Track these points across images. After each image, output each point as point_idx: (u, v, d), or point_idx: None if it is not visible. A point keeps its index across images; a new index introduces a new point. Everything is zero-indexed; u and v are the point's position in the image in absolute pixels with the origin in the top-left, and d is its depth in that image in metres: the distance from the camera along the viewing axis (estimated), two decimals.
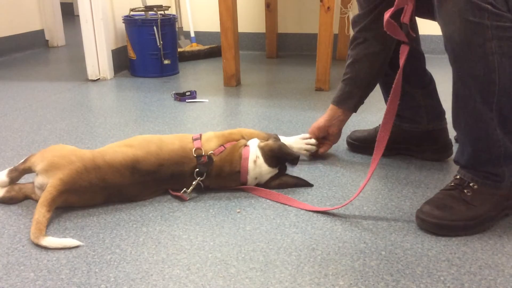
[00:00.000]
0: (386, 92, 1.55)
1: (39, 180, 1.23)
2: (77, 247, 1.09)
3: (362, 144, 1.60)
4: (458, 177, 1.16)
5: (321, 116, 1.54)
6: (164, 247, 1.08)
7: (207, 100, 2.31)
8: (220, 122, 1.99)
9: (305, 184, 1.35)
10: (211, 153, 1.30)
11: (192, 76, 2.87)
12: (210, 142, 1.34)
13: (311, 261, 1.02)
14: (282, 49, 3.54)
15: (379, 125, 1.58)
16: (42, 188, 1.22)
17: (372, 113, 2.02)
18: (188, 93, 2.37)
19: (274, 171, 1.34)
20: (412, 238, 1.10)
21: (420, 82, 1.45)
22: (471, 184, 1.13)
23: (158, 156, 1.26)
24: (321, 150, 1.54)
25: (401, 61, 1.14)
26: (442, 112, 1.50)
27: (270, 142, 1.35)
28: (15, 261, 1.03)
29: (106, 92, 2.53)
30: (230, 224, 1.17)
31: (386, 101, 1.57)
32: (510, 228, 1.14)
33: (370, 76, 1.45)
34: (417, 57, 1.45)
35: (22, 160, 1.31)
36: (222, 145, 1.33)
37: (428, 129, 1.49)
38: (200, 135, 1.36)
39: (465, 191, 1.12)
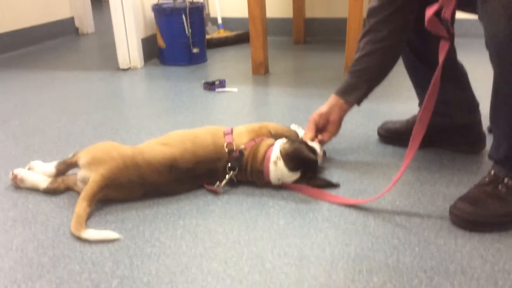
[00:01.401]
0: (417, 86, 1.54)
1: (81, 173, 1.28)
2: (117, 239, 1.13)
3: (393, 136, 1.60)
4: (492, 172, 1.16)
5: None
6: (201, 241, 1.11)
7: (236, 89, 2.33)
8: (250, 112, 2.01)
9: (330, 185, 1.34)
10: (242, 147, 1.33)
11: (220, 64, 2.89)
12: (241, 136, 1.36)
13: (345, 257, 1.04)
14: (309, 34, 3.52)
15: (412, 117, 1.58)
16: (84, 181, 1.27)
17: (402, 103, 2.00)
18: (217, 82, 2.40)
19: (296, 174, 1.32)
20: (445, 234, 1.11)
21: (452, 75, 1.44)
22: (505, 180, 1.13)
23: (194, 154, 1.30)
24: (322, 138, 1.48)
25: (441, 57, 1.13)
26: (475, 105, 1.49)
27: (287, 145, 1.33)
28: (60, 254, 1.09)
29: (137, 82, 2.58)
30: (263, 218, 1.20)
31: (417, 93, 1.56)
32: None
33: (380, 70, 1.42)
34: (449, 50, 1.43)
35: (71, 155, 1.36)
36: (253, 140, 1.35)
37: (461, 123, 1.48)
38: (231, 129, 1.39)
39: (499, 187, 1.12)
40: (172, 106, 2.12)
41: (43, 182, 1.37)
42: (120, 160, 1.26)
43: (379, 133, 1.65)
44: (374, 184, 1.36)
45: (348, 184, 1.36)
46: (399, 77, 1.91)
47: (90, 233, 1.14)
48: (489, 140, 1.29)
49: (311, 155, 1.33)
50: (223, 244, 1.10)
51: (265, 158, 1.32)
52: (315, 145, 1.41)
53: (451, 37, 1.13)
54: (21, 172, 1.40)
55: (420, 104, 1.57)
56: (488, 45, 1.04)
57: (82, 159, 1.29)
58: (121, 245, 1.11)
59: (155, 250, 1.09)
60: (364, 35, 1.41)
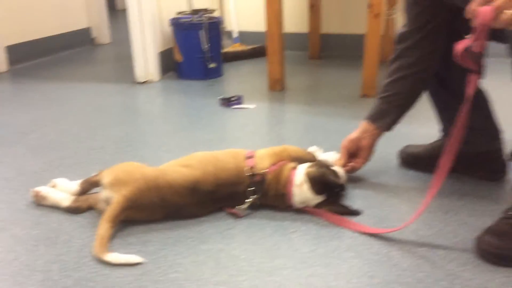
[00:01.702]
0: (439, 112, 1.54)
1: (104, 193, 1.29)
2: (140, 263, 1.13)
3: (415, 161, 1.59)
4: None
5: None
6: (224, 268, 1.11)
7: (253, 106, 2.33)
8: (268, 132, 2.01)
9: (352, 213, 1.33)
10: (265, 171, 1.33)
11: (236, 79, 2.90)
12: (263, 160, 1.36)
13: None
14: (324, 49, 3.52)
15: (435, 141, 1.57)
16: (107, 201, 1.27)
17: (422, 124, 1.99)
18: (234, 98, 2.40)
19: (320, 198, 1.32)
20: (471, 268, 1.10)
21: (475, 102, 1.43)
22: None
23: (215, 176, 1.30)
24: (354, 164, 1.49)
25: (470, 91, 1.12)
26: (497, 133, 1.48)
27: (314, 169, 1.34)
28: (84, 277, 1.09)
29: (154, 96, 2.60)
30: (286, 245, 1.20)
31: (439, 119, 1.55)
32: None
33: (411, 96, 1.43)
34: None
35: (95, 174, 1.37)
36: (275, 164, 1.35)
37: (482, 151, 1.47)
38: (253, 152, 1.39)
39: None
40: (190, 123, 2.13)
41: (66, 200, 1.38)
42: (143, 181, 1.27)
43: (400, 157, 1.64)
44: (397, 211, 1.35)
45: (370, 210, 1.36)
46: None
47: (114, 257, 1.14)
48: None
49: (338, 180, 1.34)
50: (246, 273, 1.10)
51: (288, 181, 1.32)
52: (338, 168, 1.41)
53: (481, 70, 1.13)
54: (43, 189, 1.41)
55: (442, 130, 1.56)
56: None
57: (105, 179, 1.30)
58: (145, 270, 1.11)
59: (179, 276, 1.09)
60: (393, 60, 1.42)
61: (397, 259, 1.13)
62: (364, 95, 2.44)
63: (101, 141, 1.93)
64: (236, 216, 1.33)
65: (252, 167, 1.33)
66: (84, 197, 1.38)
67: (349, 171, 1.48)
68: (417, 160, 1.59)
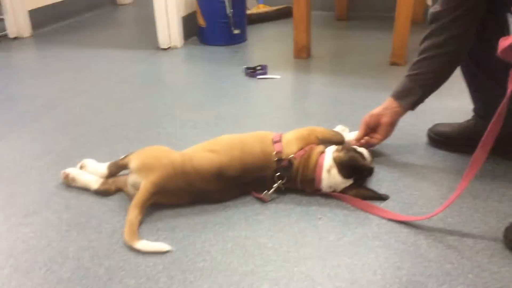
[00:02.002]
0: (473, 92, 1.50)
1: (132, 178, 1.31)
2: (169, 251, 1.16)
3: (444, 140, 1.56)
4: None
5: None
6: (251, 257, 1.13)
7: (278, 76, 2.29)
8: (294, 106, 1.98)
9: (379, 198, 1.32)
10: (292, 156, 1.32)
11: (260, 44, 2.84)
12: (290, 145, 1.35)
13: (396, 282, 1.04)
14: (353, 9, 3.40)
15: (466, 121, 1.53)
16: (135, 186, 1.29)
17: (453, 98, 1.93)
18: (259, 68, 2.37)
19: (349, 181, 1.32)
20: (498, 259, 1.09)
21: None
22: None
23: (241, 162, 1.30)
24: (369, 139, 1.48)
25: (511, 87, 1.07)
26: None
27: (342, 153, 1.32)
28: (115, 265, 1.12)
29: (178, 64, 2.58)
30: (312, 232, 1.20)
31: (472, 98, 1.51)
32: None
33: (439, 76, 1.39)
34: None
35: (122, 156, 1.38)
36: (303, 148, 1.34)
37: None
38: (280, 136, 1.37)
39: None
40: (215, 95, 2.11)
41: (95, 183, 1.40)
42: (170, 167, 1.27)
43: (429, 136, 1.60)
44: (425, 196, 1.34)
45: (397, 194, 1.34)
46: None
47: (144, 244, 1.16)
48: None
49: (367, 164, 1.33)
50: (273, 262, 1.11)
51: (317, 165, 1.31)
52: (363, 150, 1.39)
53: None
54: (72, 171, 1.44)
55: (475, 110, 1.51)
56: None
57: (133, 163, 1.31)
58: (174, 258, 1.14)
59: (207, 265, 1.11)
60: (425, 39, 1.37)
61: (424, 249, 1.13)
62: (394, 63, 2.37)
63: (126, 115, 1.93)
64: (262, 201, 1.33)
65: (279, 152, 1.32)
66: (112, 180, 1.40)
67: (364, 145, 1.46)
68: (447, 140, 1.55)
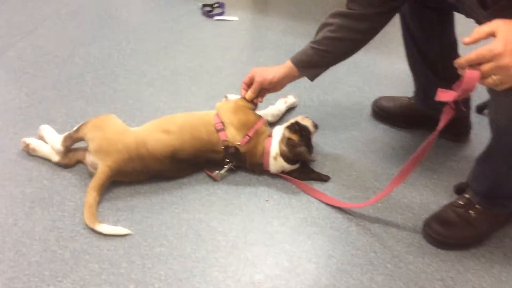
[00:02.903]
0: (415, 77, 1.57)
1: (90, 158, 1.38)
2: (128, 234, 1.28)
3: (385, 115, 1.68)
4: (467, 196, 1.29)
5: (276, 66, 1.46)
6: (204, 242, 1.27)
7: (236, 19, 2.28)
8: (250, 59, 2.01)
9: (321, 179, 1.46)
10: (238, 144, 1.41)
11: None
12: (233, 133, 1.41)
13: (327, 271, 1.22)
14: None
15: (407, 99, 1.63)
16: (93, 166, 1.37)
17: (400, 58, 2.00)
18: (216, 5, 2.33)
19: (295, 166, 1.43)
20: (415, 249, 1.28)
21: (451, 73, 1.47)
22: (477, 206, 1.26)
23: (192, 146, 1.38)
24: (260, 100, 1.50)
25: (441, 124, 1.14)
26: (467, 100, 1.55)
27: (287, 148, 1.40)
28: (80, 248, 1.24)
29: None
30: (259, 216, 1.35)
31: (414, 80, 1.59)
32: (502, 242, 1.31)
33: (343, 57, 1.40)
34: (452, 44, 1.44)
35: (75, 128, 1.42)
36: (247, 135, 1.42)
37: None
38: (222, 122, 1.42)
39: (470, 211, 1.27)
40: (170, 41, 2.10)
41: (55, 156, 1.46)
42: (126, 152, 1.35)
43: (373, 109, 1.72)
44: (361, 178, 1.48)
45: (337, 175, 1.48)
46: (393, 30, 1.90)
47: (104, 228, 1.27)
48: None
49: (311, 157, 1.43)
50: (223, 248, 1.26)
51: (264, 152, 1.42)
52: (308, 122, 1.49)
53: (458, 108, 1.12)
54: (33, 142, 1.48)
55: (415, 93, 1.62)
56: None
57: (90, 145, 1.37)
58: (133, 242, 1.26)
59: (163, 250, 1.24)
60: (341, 15, 1.33)
61: (354, 236, 1.30)
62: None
63: (81, 65, 1.92)
64: (213, 179, 1.44)
65: (224, 141, 1.40)
66: (72, 153, 1.46)
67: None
68: (388, 115, 1.67)
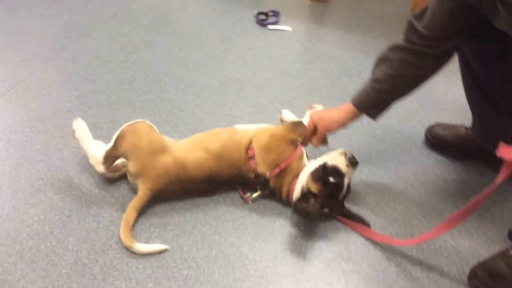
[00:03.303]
0: (471, 105, 1.46)
1: (130, 177, 1.39)
2: (162, 251, 1.27)
3: (440, 145, 1.57)
4: None
5: (336, 108, 1.38)
6: (232, 269, 1.23)
7: (289, 29, 2.22)
8: (299, 72, 1.95)
9: (360, 221, 1.34)
10: (267, 175, 1.35)
11: None
12: (262, 163, 1.35)
13: None
14: None
15: (465, 129, 1.52)
16: (132, 183, 1.38)
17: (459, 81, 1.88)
18: (271, 13, 2.28)
19: (323, 211, 1.32)
20: None
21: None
22: None
23: (228, 171, 1.37)
24: (315, 143, 1.42)
25: (499, 179, 1.04)
26: None
27: (305, 204, 1.26)
28: (109, 263, 1.24)
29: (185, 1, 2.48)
30: (292, 246, 1.29)
31: (471, 111, 1.47)
32: None
33: (408, 92, 1.30)
34: None
35: (112, 144, 1.37)
36: (278, 166, 1.35)
37: None
38: (253, 150, 1.36)
39: None
40: (221, 49, 2.08)
41: (101, 167, 1.42)
42: (166, 177, 1.34)
43: (426, 136, 1.61)
44: (406, 213, 1.39)
45: (380, 207, 1.40)
46: None
47: (141, 247, 1.26)
48: None
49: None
50: (251, 278, 1.21)
51: (289, 194, 1.35)
52: (340, 161, 1.32)
53: None
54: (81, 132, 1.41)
55: (472, 125, 1.50)
56: None
57: (130, 167, 1.35)
58: (162, 262, 1.25)
59: (191, 274, 1.22)
60: (401, 49, 1.24)
61: (392, 278, 1.22)
62: None
63: (131, 70, 1.93)
64: (245, 201, 1.40)
65: (255, 169, 1.36)
66: (117, 167, 1.45)
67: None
68: (442, 145, 1.56)
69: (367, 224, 1.34)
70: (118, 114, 1.71)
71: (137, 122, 1.38)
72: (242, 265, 1.25)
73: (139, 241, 1.28)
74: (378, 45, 2.08)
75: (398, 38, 1.28)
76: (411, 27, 1.22)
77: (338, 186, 1.29)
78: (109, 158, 1.41)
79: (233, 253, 1.27)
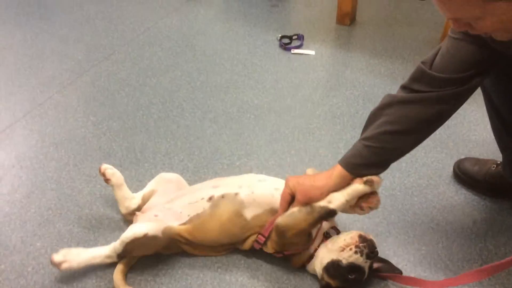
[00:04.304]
0: (500, 145, 1.36)
1: None
2: None
3: (468, 180, 1.46)
4: None
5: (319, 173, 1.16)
6: None
7: (313, 53, 2.15)
8: (322, 99, 1.87)
9: (393, 271, 1.22)
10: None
11: (300, 4, 2.63)
12: (271, 246, 1.23)
13: None
14: None
15: (494, 165, 1.41)
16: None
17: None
18: (295, 37, 2.22)
19: None
20: None
21: None
22: None
23: (239, 240, 1.27)
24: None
25: None
26: None
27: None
28: None
29: (211, 19, 2.44)
30: None
31: (500, 149, 1.36)
32: None
33: (409, 150, 1.11)
34: None
35: (120, 251, 1.23)
36: (282, 252, 1.22)
37: None
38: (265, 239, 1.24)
39: None
40: (243, 74, 2.02)
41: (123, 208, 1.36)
42: (180, 250, 1.28)
43: (454, 171, 1.51)
44: (431, 254, 1.29)
45: (404, 247, 1.30)
46: None
47: None
48: None
49: None
50: None
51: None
52: (356, 259, 1.12)
53: None
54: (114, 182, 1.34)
55: (502, 165, 1.39)
56: None
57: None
58: None
59: None
60: (396, 101, 1.07)
61: None
62: None
63: (149, 95, 1.90)
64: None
65: (262, 245, 1.24)
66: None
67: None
68: (472, 181, 1.46)
69: (398, 272, 1.22)
70: (132, 140, 1.67)
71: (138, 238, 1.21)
72: None
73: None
74: (406, 71, 1.98)
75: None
76: (421, 72, 1.06)
77: (360, 280, 1.16)
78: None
79: None
